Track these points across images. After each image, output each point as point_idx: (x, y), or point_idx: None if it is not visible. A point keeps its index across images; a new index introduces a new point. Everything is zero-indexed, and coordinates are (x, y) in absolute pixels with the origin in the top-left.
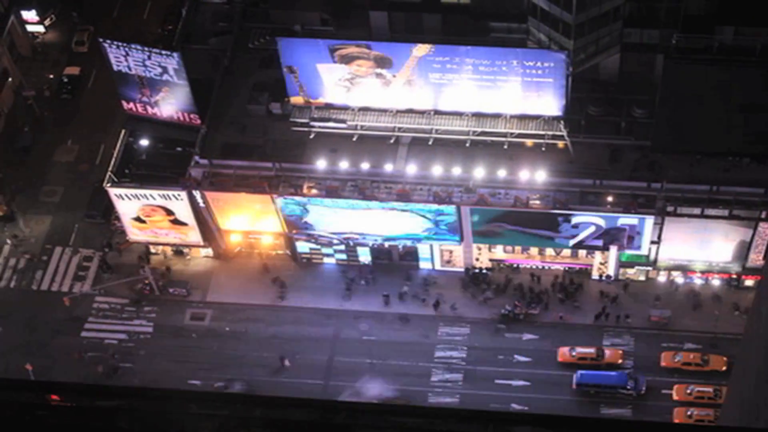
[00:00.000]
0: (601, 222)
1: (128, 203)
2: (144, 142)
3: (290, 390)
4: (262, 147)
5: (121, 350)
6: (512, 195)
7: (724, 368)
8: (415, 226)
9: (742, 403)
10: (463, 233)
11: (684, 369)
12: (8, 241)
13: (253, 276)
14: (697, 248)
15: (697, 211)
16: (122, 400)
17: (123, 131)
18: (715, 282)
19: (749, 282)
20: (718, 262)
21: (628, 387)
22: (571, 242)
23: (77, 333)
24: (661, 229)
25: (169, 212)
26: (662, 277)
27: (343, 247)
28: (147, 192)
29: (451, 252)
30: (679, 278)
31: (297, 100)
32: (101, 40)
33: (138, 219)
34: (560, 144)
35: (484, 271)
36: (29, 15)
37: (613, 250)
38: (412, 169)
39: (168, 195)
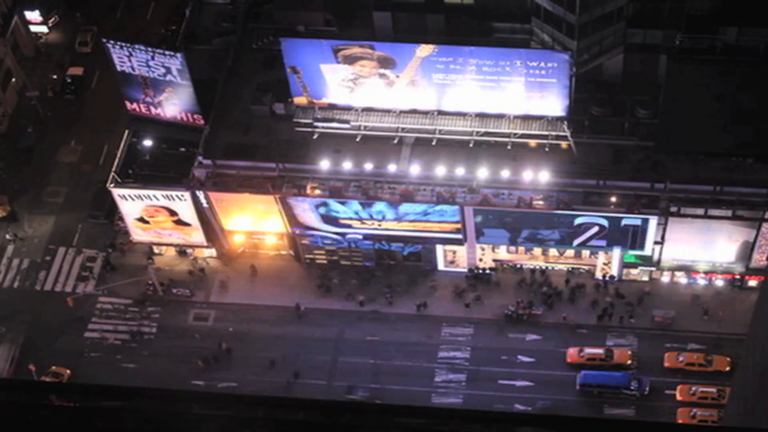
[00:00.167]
0: (605, 222)
1: (132, 204)
2: (147, 143)
3: (294, 390)
4: (266, 147)
5: (124, 351)
6: (516, 195)
7: (727, 369)
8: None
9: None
10: (466, 234)
11: (687, 369)
12: (7, 237)
13: (256, 276)
14: (700, 249)
15: (700, 211)
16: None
17: (126, 132)
18: (719, 282)
19: (752, 282)
20: (721, 262)
21: (632, 387)
22: (575, 242)
23: (81, 333)
24: (664, 230)
25: (172, 213)
26: (666, 278)
27: (346, 247)
28: (150, 192)
29: (454, 252)
30: (682, 279)
31: (300, 100)
32: (105, 40)
33: (141, 219)
34: (564, 144)
35: (488, 271)
36: (33, 15)
37: (617, 250)
38: (415, 169)
39: (171, 195)
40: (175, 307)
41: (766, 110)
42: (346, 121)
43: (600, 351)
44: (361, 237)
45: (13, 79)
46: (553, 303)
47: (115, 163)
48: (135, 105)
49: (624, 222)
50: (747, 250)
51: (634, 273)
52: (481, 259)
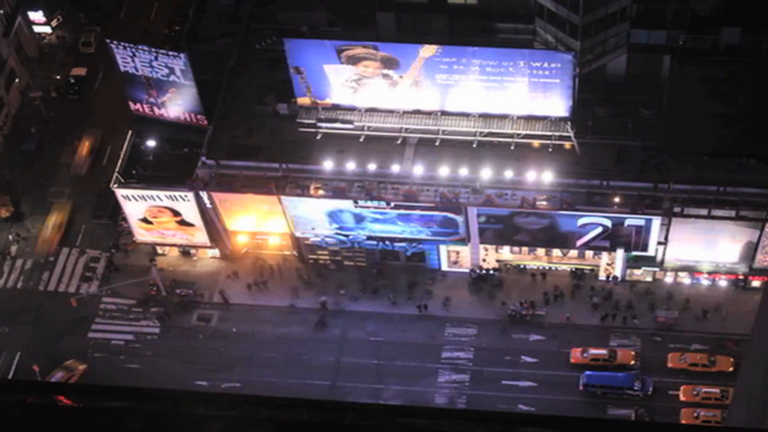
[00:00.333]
0: (608, 223)
1: (135, 204)
2: (151, 143)
3: (297, 391)
4: (269, 148)
5: (127, 351)
6: (519, 196)
7: (731, 369)
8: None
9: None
10: (470, 234)
11: (691, 370)
12: (11, 237)
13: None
14: (703, 249)
15: (704, 212)
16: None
17: (130, 132)
18: (722, 283)
19: (756, 283)
20: (725, 263)
21: (635, 388)
22: (578, 243)
23: (84, 334)
24: (668, 230)
25: (176, 213)
26: (669, 278)
27: (350, 247)
28: (154, 193)
29: (458, 253)
30: (686, 279)
31: (304, 100)
32: (108, 40)
33: (145, 220)
34: (567, 145)
35: (491, 272)
36: (36, 16)
37: (620, 251)
38: (418, 169)
39: (175, 196)
40: (178, 307)
41: None
42: (350, 122)
43: (603, 351)
44: (364, 237)
45: (17, 80)
46: (557, 303)
47: (119, 163)
48: (138, 105)
49: (627, 222)
50: (750, 251)
51: (638, 273)
52: (484, 260)
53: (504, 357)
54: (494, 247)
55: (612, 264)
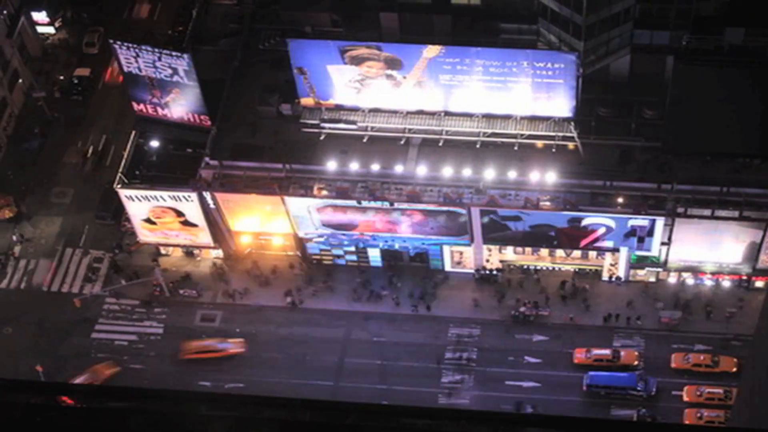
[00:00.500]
0: (612, 223)
1: (138, 204)
2: (154, 144)
3: (301, 391)
4: (273, 148)
5: (131, 352)
6: (522, 196)
7: (734, 369)
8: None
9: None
10: (473, 234)
11: (694, 370)
12: (14, 238)
13: (263, 277)
14: (707, 249)
15: (707, 212)
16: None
17: (133, 132)
18: (726, 283)
19: (759, 283)
20: (728, 263)
21: (639, 388)
22: (582, 243)
23: (88, 334)
24: (671, 231)
25: (179, 213)
26: (672, 278)
27: (353, 248)
28: (157, 193)
29: (461, 253)
30: (689, 279)
31: (307, 101)
32: (112, 41)
33: (148, 220)
34: (570, 145)
35: (495, 272)
36: (39, 16)
37: (624, 251)
38: (422, 170)
39: (178, 196)
40: (182, 307)
41: None
42: (353, 122)
43: (607, 352)
44: (368, 237)
45: (20, 80)
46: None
47: (122, 163)
48: (142, 106)
49: (631, 223)
50: (754, 251)
51: (641, 274)
52: (488, 260)
53: (507, 357)
54: (498, 247)
55: (615, 264)
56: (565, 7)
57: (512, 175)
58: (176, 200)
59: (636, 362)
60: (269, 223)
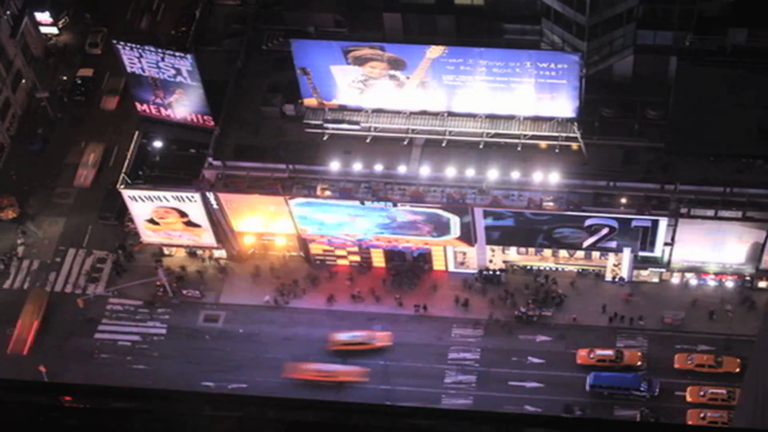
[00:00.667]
0: (615, 224)
1: (142, 205)
2: (157, 144)
3: (304, 392)
4: (276, 149)
5: (134, 352)
6: (526, 197)
7: (737, 370)
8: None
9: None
10: (476, 235)
11: (697, 371)
12: (18, 240)
13: (266, 278)
14: (710, 250)
15: (710, 212)
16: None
17: (136, 133)
18: (729, 284)
19: (762, 284)
20: (731, 263)
21: (642, 389)
22: (585, 244)
23: (91, 334)
24: (674, 231)
25: (182, 214)
26: (676, 279)
27: (356, 248)
28: (160, 194)
29: (464, 254)
30: (692, 280)
31: (310, 101)
32: (115, 41)
33: (151, 221)
34: (574, 146)
35: (498, 272)
36: (43, 17)
37: (627, 251)
38: (425, 170)
39: (181, 197)
40: (185, 308)
41: None
42: (356, 123)
43: (610, 352)
44: (371, 238)
45: (23, 80)
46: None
47: (126, 164)
48: (145, 106)
49: (634, 223)
50: (757, 252)
51: (645, 274)
52: (491, 261)
53: (511, 358)
54: (501, 248)
55: (619, 265)
56: (568, 7)
57: (515, 175)
58: (179, 201)
59: (639, 362)
60: (272, 224)
